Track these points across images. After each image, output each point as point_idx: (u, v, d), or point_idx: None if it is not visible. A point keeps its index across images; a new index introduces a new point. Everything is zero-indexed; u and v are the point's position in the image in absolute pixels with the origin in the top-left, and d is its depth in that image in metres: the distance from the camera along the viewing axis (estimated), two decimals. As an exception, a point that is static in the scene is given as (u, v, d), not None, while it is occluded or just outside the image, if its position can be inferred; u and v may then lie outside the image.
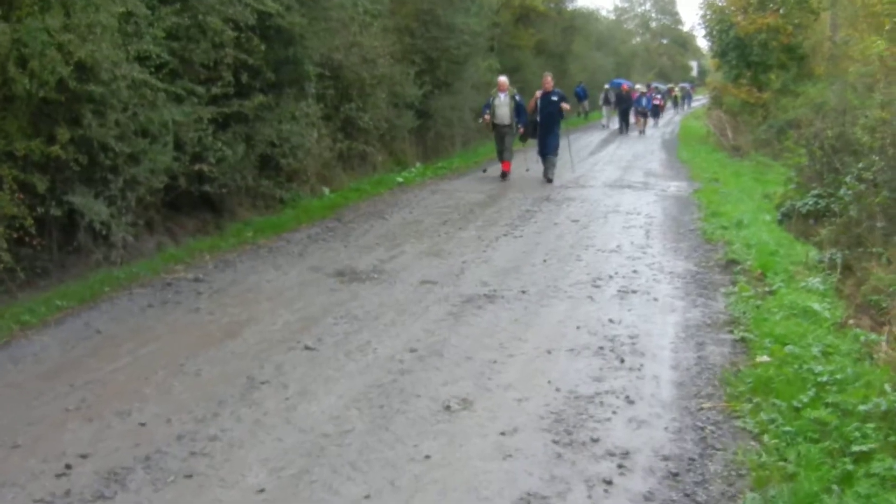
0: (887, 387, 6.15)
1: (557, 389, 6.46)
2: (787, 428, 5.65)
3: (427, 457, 5.36)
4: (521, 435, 5.67)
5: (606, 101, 45.11)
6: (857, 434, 5.50)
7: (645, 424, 5.87)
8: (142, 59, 10.47)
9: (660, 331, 8.01)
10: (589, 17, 55.81)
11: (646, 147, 32.34)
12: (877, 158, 11.52)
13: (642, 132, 40.20)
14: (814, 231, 13.65)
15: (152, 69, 10.63)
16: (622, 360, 7.12)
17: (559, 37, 44.19)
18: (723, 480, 5.14)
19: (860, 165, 12.10)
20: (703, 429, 5.81)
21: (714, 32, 35.99)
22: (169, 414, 6.06)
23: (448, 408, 6.11)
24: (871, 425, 5.56)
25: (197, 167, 11.88)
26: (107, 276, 10.02)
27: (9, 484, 5.02)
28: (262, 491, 4.95)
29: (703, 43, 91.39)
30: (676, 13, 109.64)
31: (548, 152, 20.19)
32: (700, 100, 74.37)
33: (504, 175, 20.47)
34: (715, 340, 7.71)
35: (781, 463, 5.24)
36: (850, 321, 8.42)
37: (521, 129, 20.20)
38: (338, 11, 15.34)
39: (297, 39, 14.09)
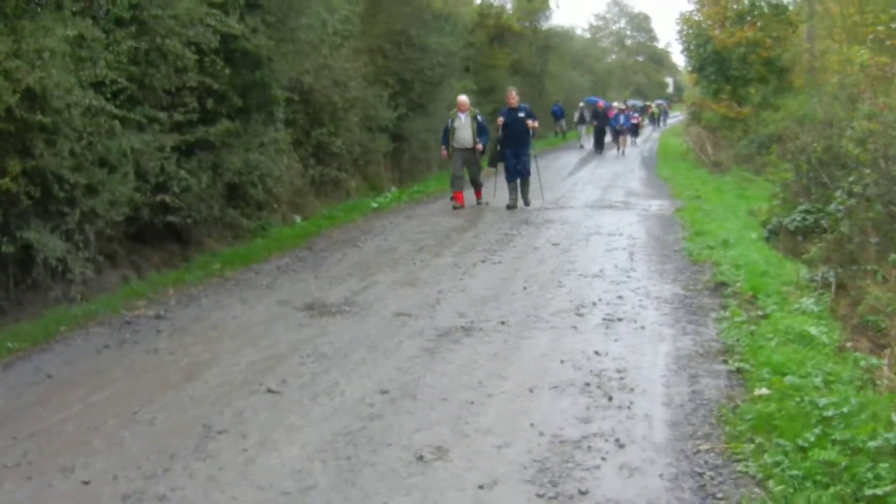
0: (894, 417, 5.71)
1: (541, 433, 5.91)
2: (794, 472, 5.12)
3: (398, 517, 4.83)
4: (501, 488, 5.13)
5: (581, 120, 44.21)
6: (869, 475, 5.01)
7: (638, 472, 5.33)
8: (97, 85, 9.97)
9: (649, 363, 7.48)
10: (564, 35, 55.47)
11: (625, 166, 31.94)
12: (868, 171, 11.06)
13: (622, 152, 38.85)
14: (803, 248, 13.23)
15: (108, 95, 10.11)
16: (610, 398, 6.58)
17: (535, 56, 43.97)
18: (727, 536, 4.63)
19: (850, 179, 11.65)
20: (701, 475, 5.27)
21: (691, 47, 35.74)
22: (116, 470, 5.50)
23: (421, 458, 5.55)
24: (884, 464, 5.07)
25: (159, 198, 11.31)
26: (64, 315, 9.48)
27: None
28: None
29: (678, 59, 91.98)
30: (651, 30, 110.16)
31: (518, 176, 18.55)
32: (677, 116, 74.23)
33: (457, 206, 18.44)
34: (709, 372, 7.19)
35: (790, 513, 4.74)
36: (849, 344, 8.04)
37: (480, 147, 18.52)
38: (306, 33, 14.82)
39: (265, 62, 13.62)
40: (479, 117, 18.71)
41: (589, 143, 41.49)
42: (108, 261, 11.59)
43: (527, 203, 18.71)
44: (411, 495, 5.07)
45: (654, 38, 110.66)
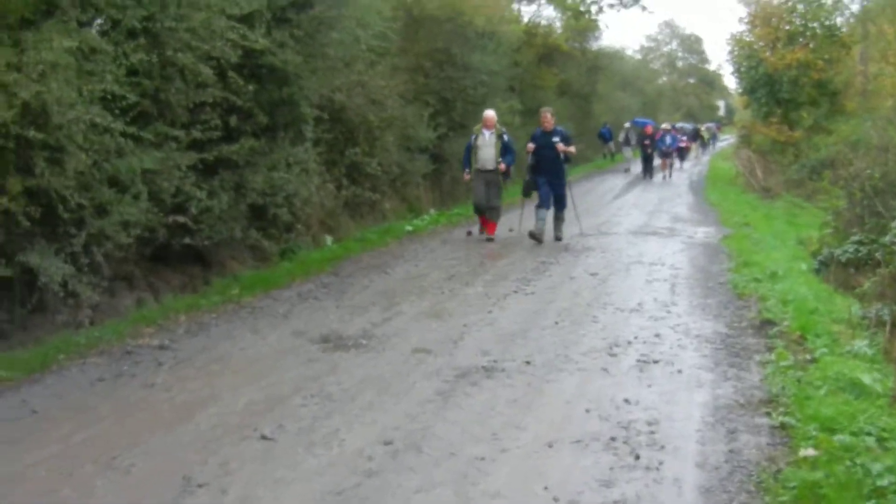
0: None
1: (556, 500, 5.23)
2: (844, 557, 4.44)
3: None
4: (505, 568, 4.48)
5: (627, 142, 42.22)
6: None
7: (663, 551, 4.65)
8: (105, 101, 9.41)
9: (684, 414, 6.77)
10: (614, 56, 54.87)
11: (673, 190, 31.10)
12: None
13: (668, 177, 36.84)
14: (855, 281, 12.54)
15: (117, 112, 9.56)
16: (637, 457, 5.88)
17: (583, 77, 43.29)
18: None
19: (909, 210, 10.91)
20: (737, 557, 4.59)
21: (742, 69, 34.93)
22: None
23: (418, 527, 4.91)
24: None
25: (171, 219, 10.76)
26: (66, 342, 8.96)
27: None
28: None
29: (730, 81, 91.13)
30: (703, 52, 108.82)
31: (552, 206, 16.63)
32: (727, 139, 73.27)
33: (488, 237, 16.88)
34: (749, 427, 6.48)
35: None
36: (905, 393, 7.26)
37: (503, 167, 16.64)
38: (337, 49, 14.24)
39: (292, 79, 13.04)
40: (505, 136, 16.94)
41: (635, 167, 39.54)
42: (123, 283, 11.13)
43: (558, 237, 16.67)
44: (401, 573, 4.42)
45: (705, 60, 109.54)
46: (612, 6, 39.27)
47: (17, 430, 6.56)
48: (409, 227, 18.08)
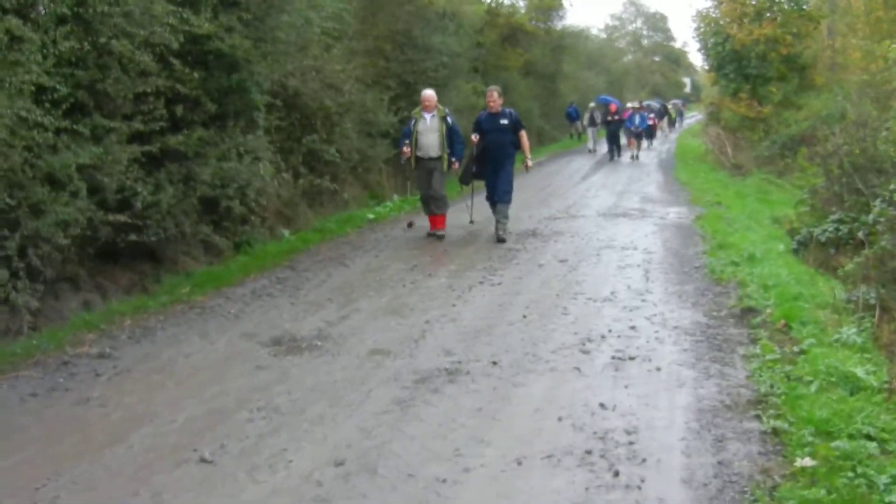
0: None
1: (525, 530, 4.63)
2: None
3: None
4: None
5: (592, 122, 40.54)
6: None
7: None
8: (34, 93, 8.72)
9: (665, 419, 6.18)
10: (579, 35, 54.33)
11: (642, 169, 30.45)
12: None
13: (636, 157, 35.19)
14: (836, 261, 12.01)
15: (48, 105, 8.88)
16: (616, 473, 5.27)
17: (548, 56, 42.72)
18: None
19: (892, 187, 10.35)
20: None
21: (709, 46, 34.43)
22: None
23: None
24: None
25: (111, 217, 10.06)
26: (1, 352, 8.25)
27: None
28: None
29: (696, 59, 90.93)
30: (668, 30, 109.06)
31: (496, 198, 14.71)
32: (694, 116, 72.99)
33: (436, 234, 14.84)
34: (738, 433, 5.88)
35: None
36: (900, 382, 6.72)
37: (455, 164, 14.76)
38: (288, 32, 13.52)
39: (242, 65, 12.34)
40: (449, 118, 14.82)
41: (601, 148, 38.09)
42: (67, 284, 10.45)
43: (501, 238, 14.34)
44: None
45: (670, 38, 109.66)
46: (575, -16, 38.56)
47: (-70, 459, 5.91)
48: (370, 216, 17.35)
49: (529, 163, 15.17)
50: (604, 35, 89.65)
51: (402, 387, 7.02)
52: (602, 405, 6.46)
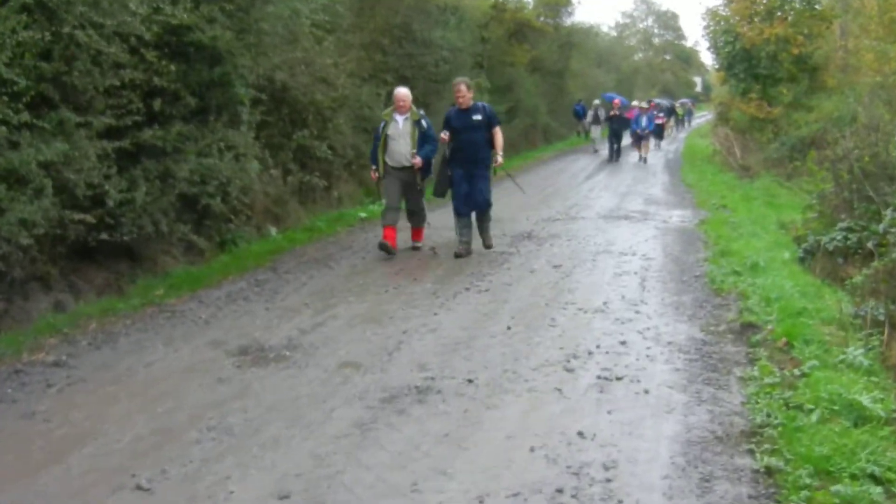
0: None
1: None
2: None
3: None
4: None
5: (596, 120, 39.15)
6: None
7: None
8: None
9: (649, 452, 5.60)
10: (588, 32, 53.91)
11: (647, 170, 29.87)
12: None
13: (644, 159, 33.02)
14: (844, 272, 11.46)
15: (6, 98, 8.37)
16: (589, 517, 4.74)
17: (556, 53, 42.35)
18: None
19: (905, 196, 9.81)
20: None
21: (719, 45, 33.84)
22: None
23: None
24: None
25: (79, 217, 9.53)
26: (-46, 359, 7.71)
27: None
28: None
29: (706, 58, 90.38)
30: (679, 28, 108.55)
31: (478, 208, 12.96)
32: (704, 115, 72.42)
33: (386, 247, 12.63)
34: (728, 470, 5.30)
35: None
36: (910, 412, 6.16)
37: (418, 162, 12.63)
38: (273, 24, 12.97)
39: (225, 58, 11.81)
40: (424, 121, 12.89)
41: (604, 148, 35.85)
42: (38, 284, 9.93)
43: (487, 245, 13.06)
44: None
45: (681, 37, 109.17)
46: (584, -20, 37.98)
47: None
48: (362, 214, 16.80)
49: (500, 158, 12.88)
50: (614, 33, 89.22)
51: (367, 406, 6.47)
52: (580, 434, 5.88)
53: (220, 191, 11.90)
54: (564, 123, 46.07)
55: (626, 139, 34.91)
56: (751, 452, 5.54)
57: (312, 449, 5.70)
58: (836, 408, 6.09)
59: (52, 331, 8.76)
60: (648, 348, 7.94)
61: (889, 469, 5.13)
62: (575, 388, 6.88)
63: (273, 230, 14.47)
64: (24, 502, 5.05)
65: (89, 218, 9.60)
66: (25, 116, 8.59)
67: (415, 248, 13.26)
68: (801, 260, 12.65)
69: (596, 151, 37.18)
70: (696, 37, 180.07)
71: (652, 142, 36.78)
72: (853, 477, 5.04)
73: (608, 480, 5.17)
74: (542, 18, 40.73)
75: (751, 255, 11.83)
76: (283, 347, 8.09)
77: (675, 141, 48.99)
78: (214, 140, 11.82)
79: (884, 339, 8.21)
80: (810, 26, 31.44)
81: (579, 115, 45.16)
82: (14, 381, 7.25)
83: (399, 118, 12.79)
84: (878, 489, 4.88)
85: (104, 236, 10.20)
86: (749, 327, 8.49)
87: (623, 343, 8.10)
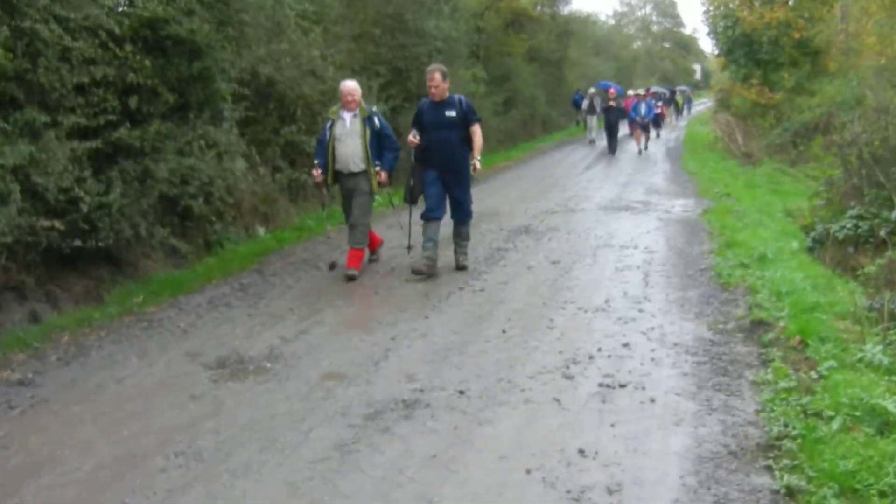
0: None
1: None
2: None
3: None
4: None
5: (592, 110, 37.08)
6: None
7: None
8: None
9: (657, 471, 5.07)
10: (586, 21, 53.62)
11: (648, 158, 29.26)
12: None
13: (644, 149, 31.65)
14: (855, 261, 10.96)
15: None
16: (592, 554, 4.22)
17: (554, 42, 42.02)
18: None
19: (919, 181, 9.30)
20: None
21: (718, 30, 33.40)
22: None
23: None
24: None
25: (49, 223, 9.03)
26: (-87, 377, 7.20)
27: None
28: None
29: (706, 45, 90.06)
30: (678, 16, 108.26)
31: (453, 217, 11.17)
32: (704, 103, 71.96)
33: (349, 274, 10.70)
34: (745, 491, 4.77)
35: None
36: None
37: (382, 175, 10.95)
38: (255, 14, 12.45)
39: (205, 51, 11.29)
40: (376, 118, 10.99)
41: (601, 139, 33.94)
42: (12, 294, 9.44)
43: (461, 265, 11.03)
44: None
45: (680, 24, 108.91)
46: (581, -32, 37.39)
47: None
48: (354, 210, 16.28)
49: (477, 164, 10.78)
50: (612, 21, 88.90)
51: (349, 424, 5.94)
52: (581, 451, 5.35)
53: (202, 191, 11.40)
54: (563, 113, 45.72)
55: (624, 129, 33.74)
56: (768, 469, 5.02)
57: (287, 476, 5.18)
58: (857, 414, 5.58)
59: (22, 345, 8.26)
60: (653, 350, 7.42)
61: (921, 486, 4.63)
62: (575, 397, 6.35)
63: (261, 230, 13.97)
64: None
65: (58, 224, 9.10)
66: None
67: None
68: (810, 250, 12.15)
69: (592, 142, 36.28)
70: (694, 24, 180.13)
71: (651, 131, 35.39)
72: (882, 495, 4.55)
73: (612, 507, 4.66)
74: (539, 7, 40.35)
75: (758, 246, 11.34)
76: (264, 358, 7.58)
77: (675, 129, 48.42)
78: (195, 138, 11.32)
79: (902, 334, 7.68)
80: (811, 9, 31.02)
81: (578, 104, 44.64)
82: (-26, 402, 6.77)
83: (346, 116, 10.90)
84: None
85: (77, 243, 9.70)
86: (760, 325, 7.96)
87: (626, 345, 7.59)
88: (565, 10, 45.26)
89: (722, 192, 18.55)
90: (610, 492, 4.82)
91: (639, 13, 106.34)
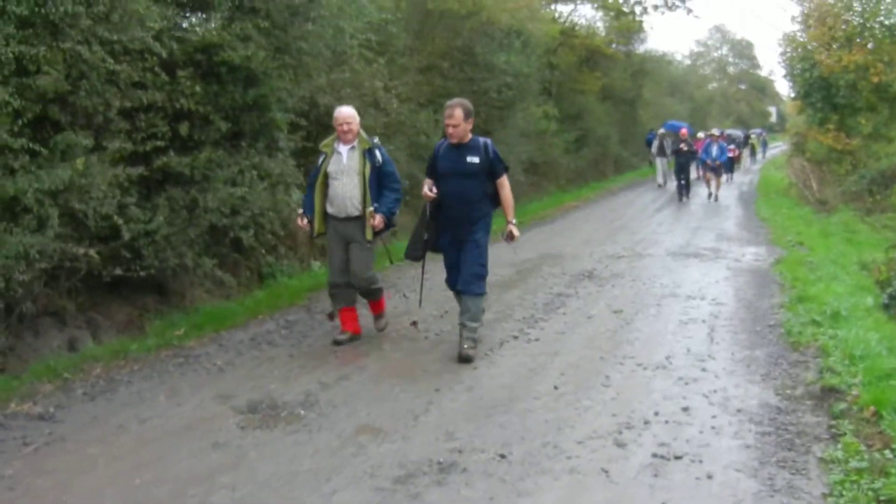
0: None
1: None
2: None
3: None
4: None
5: (661, 151, 34.97)
6: None
7: None
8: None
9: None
10: (661, 60, 52.86)
11: (720, 203, 28.45)
12: None
13: (714, 196, 29.31)
14: (937, 323, 10.31)
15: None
16: None
17: (628, 81, 41.67)
18: None
19: None
20: None
21: (795, 72, 32.55)
22: None
23: None
24: None
25: (83, 250, 8.70)
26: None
27: None
28: None
29: (782, 87, 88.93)
30: (754, 57, 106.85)
31: (460, 286, 9.02)
32: (778, 146, 70.88)
33: (339, 339, 9.24)
34: None
35: None
36: None
37: (378, 221, 8.81)
38: (314, 43, 12.07)
39: (261, 79, 10.97)
40: (378, 152, 9.05)
41: (670, 182, 32.81)
42: (52, 319, 9.19)
43: (464, 355, 8.52)
44: None
45: (756, 66, 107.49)
46: (656, 7, 36.70)
47: None
48: (414, 248, 15.85)
49: (514, 231, 9.01)
50: (688, 61, 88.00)
51: (377, 487, 5.46)
52: (627, 535, 4.84)
53: (252, 222, 11.05)
54: (636, 153, 45.15)
55: (694, 172, 31.86)
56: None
57: (301, 548, 4.72)
58: (940, 506, 5.00)
59: (52, 375, 8.00)
60: (714, 417, 6.85)
61: None
62: (625, 469, 5.80)
63: (316, 264, 13.60)
64: None
65: (93, 252, 8.77)
66: (22, 140, 7.78)
67: (380, 330, 9.66)
68: (886, 307, 11.51)
69: (660, 187, 34.59)
70: (771, 66, 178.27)
71: (724, 175, 33.63)
72: None
73: None
74: (613, 45, 39.90)
75: (831, 302, 10.74)
76: (298, 405, 7.16)
77: (748, 173, 47.57)
78: (247, 167, 11.01)
79: None
80: (891, 53, 30.13)
81: (651, 144, 44.16)
82: (-10, 438, 6.42)
83: (343, 149, 9.05)
84: None
85: (118, 271, 9.36)
86: (831, 392, 7.35)
87: (685, 409, 7.03)
88: (640, 49, 45.01)
89: (795, 240, 17.95)
90: (657, 590, 4.29)
91: (715, 54, 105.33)
